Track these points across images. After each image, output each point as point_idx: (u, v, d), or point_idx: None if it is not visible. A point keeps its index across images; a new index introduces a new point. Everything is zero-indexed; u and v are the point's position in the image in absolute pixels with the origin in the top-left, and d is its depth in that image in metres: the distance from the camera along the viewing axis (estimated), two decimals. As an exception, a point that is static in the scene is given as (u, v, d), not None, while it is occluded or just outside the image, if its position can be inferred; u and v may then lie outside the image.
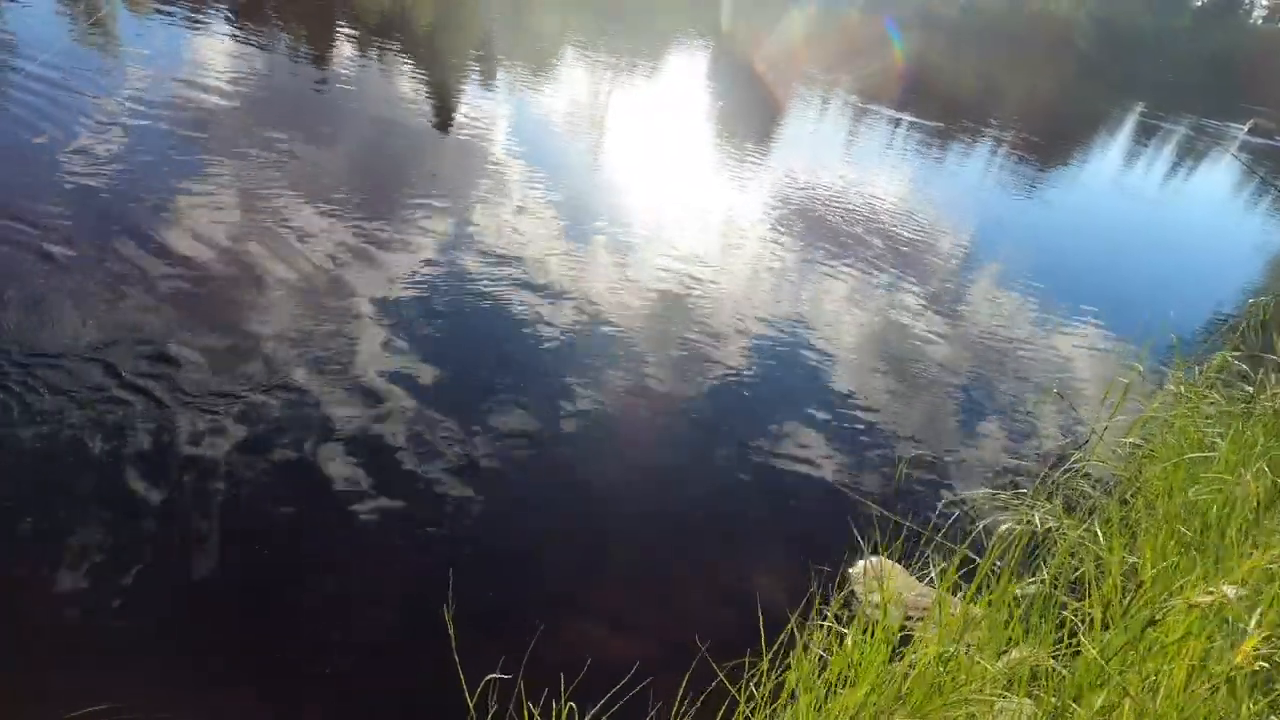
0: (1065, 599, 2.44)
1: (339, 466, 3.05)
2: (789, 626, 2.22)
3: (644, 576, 2.99)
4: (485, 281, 4.79)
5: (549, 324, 4.46)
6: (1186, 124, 24.73)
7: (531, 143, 8.08)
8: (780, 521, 3.38)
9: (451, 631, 1.93)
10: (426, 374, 3.72)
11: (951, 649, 1.83)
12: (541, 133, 8.75)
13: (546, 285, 4.91)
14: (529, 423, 3.59)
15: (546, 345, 4.25)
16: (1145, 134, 21.57)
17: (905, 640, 2.21)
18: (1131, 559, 2.33)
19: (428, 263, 4.85)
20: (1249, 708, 1.32)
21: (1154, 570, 2.07)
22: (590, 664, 2.20)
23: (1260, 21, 66.43)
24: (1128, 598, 2.25)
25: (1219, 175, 18.40)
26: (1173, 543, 2.28)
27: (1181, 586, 1.97)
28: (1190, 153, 20.60)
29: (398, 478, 3.06)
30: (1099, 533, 2.70)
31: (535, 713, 1.98)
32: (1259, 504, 2.18)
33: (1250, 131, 22.73)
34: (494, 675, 1.96)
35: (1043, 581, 2.53)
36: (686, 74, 17.30)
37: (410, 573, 2.72)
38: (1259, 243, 12.30)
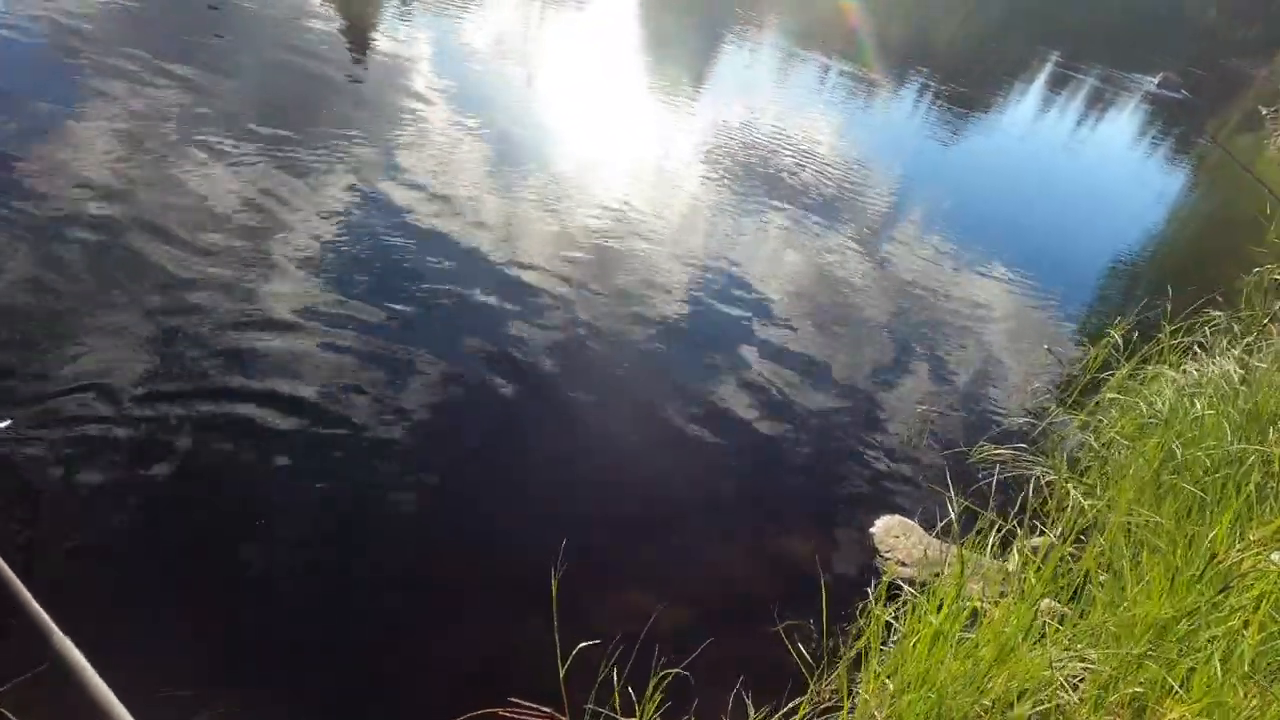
0: (1074, 552, 2.67)
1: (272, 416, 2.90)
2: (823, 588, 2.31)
3: (671, 544, 3.03)
4: (410, 225, 4.48)
5: (487, 269, 4.30)
6: (1098, 74, 25.91)
7: (453, 73, 7.57)
8: (797, 482, 3.49)
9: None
10: (349, 324, 3.47)
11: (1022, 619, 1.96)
12: (464, 63, 8.21)
13: (477, 227, 4.69)
14: (469, 374, 3.49)
15: (483, 291, 4.08)
16: (1060, 84, 22.46)
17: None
18: (1138, 515, 2.55)
19: (346, 204, 4.49)
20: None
21: (1171, 527, 2.29)
22: (642, 630, 2.22)
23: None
24: (1134, 551, 2.47)
25: (1128, 124, 19.53)
26: (1175, 499, 2.52)
27: (1198, 544, 2.18)
28: (1100, 102, 21.66)
29: (314, 440, 2.90)
30: (1096, 487, 2.95)
31: (615, 683, 2.00)
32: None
33: (1160, 85, 24.06)
34: (586, 643, 1.96)
35: (1057, 534, 2.76)
36: (615, 8, 16.55)
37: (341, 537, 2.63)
38: (1159, 191, 13.27)
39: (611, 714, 1.95)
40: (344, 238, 4.15)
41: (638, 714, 1.91)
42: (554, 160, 6.27)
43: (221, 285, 3.46)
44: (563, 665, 1.89)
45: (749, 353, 4.24)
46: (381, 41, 7.99)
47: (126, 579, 2.26)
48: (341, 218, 4.34)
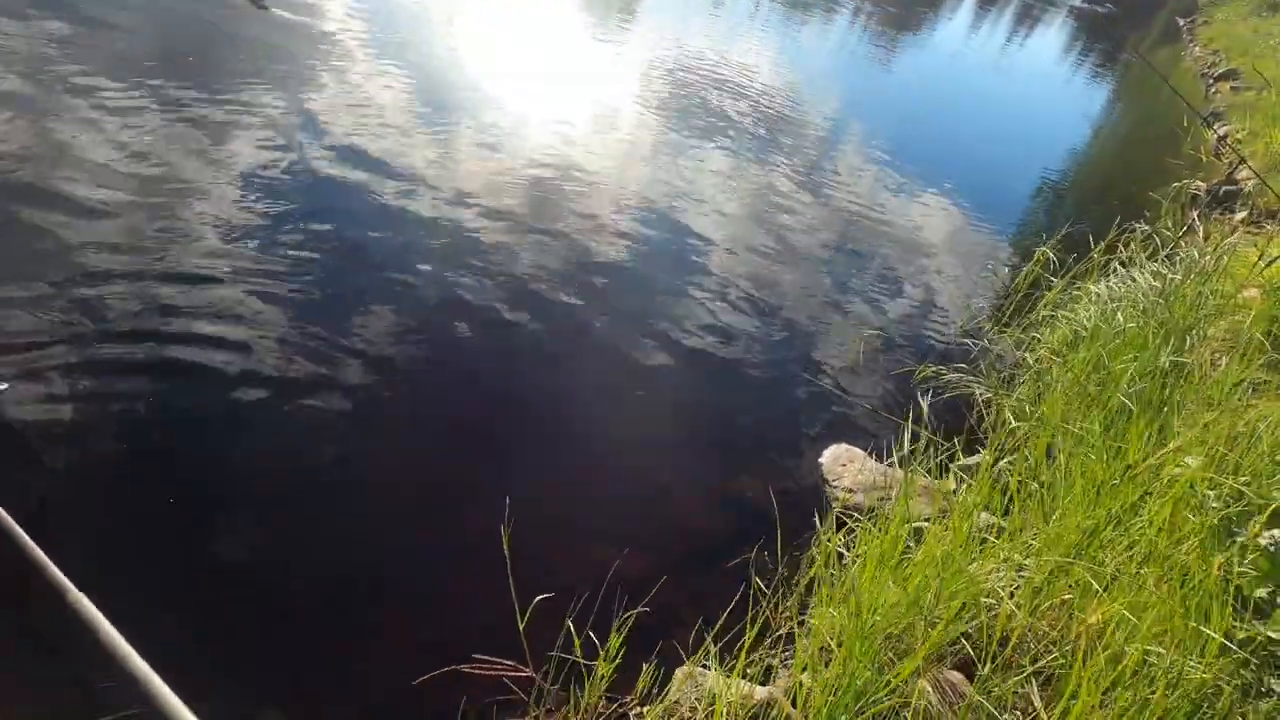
0: (1007, 465, 2.80)
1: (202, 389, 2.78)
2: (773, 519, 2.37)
3: (622, 485, 3.05)
4: (333, 179, 4.24)
5: (421, 218, 4.13)
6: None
7: (368, 13, 7.06)
8: (746, 414, 3.53)
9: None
10: (278, 281, 3.31)
11: (957, 533, 2.05)
12: (393, 4, 7.67)
13: (406, 177, 4.47)
14: (426, 326, 3.42)
15: (418, 241, 3.94)
16: (987, 2, 22.44)
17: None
18: (1066, 427, 2.68)
19: (265, 158, 4.20)
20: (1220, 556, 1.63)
21: (1097, 437, 2.41)
22: (599, 577, 2.25)
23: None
24: (1066, 458, 2.59)
25: (1055, 40, 19.75)
26: (1100, 410, 2.65)
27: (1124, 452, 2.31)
28: (1028, 18, 21.78)
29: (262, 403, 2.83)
30: (1029, 403, 3.08)
31: (575, 631, 2.02)
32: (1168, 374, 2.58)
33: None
34: (543, 596, 1.96)
35: (991, 451, 2.88)
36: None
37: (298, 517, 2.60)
38: (1085, 105, 13.58)
39: (574, 660, 1.98)
40: (262, 195, 3.88)
41: (600, 658, 1.94)
42: (482, 103, 5.96)
43: (130, 254, 3.20)
44: (522, 619, 1.89)
45: (692, 290, 4.21)
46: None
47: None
48: (257, 173, 4.05)
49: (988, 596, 2.05)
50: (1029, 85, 14.23)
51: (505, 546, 1.97)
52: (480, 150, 5.09)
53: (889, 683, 1.85)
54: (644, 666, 2.03)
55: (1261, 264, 3.52)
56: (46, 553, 1.83)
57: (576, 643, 1.96)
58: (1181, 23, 22.30)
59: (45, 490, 2.29)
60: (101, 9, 5.23)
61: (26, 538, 1.83)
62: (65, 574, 1.80)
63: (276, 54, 5.63)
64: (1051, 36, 20.18)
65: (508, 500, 2.27)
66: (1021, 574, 2.08)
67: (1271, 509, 1.54)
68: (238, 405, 2.71)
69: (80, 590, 1.75)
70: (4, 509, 1.87)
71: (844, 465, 3.06)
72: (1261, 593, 1.55)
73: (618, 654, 1.91)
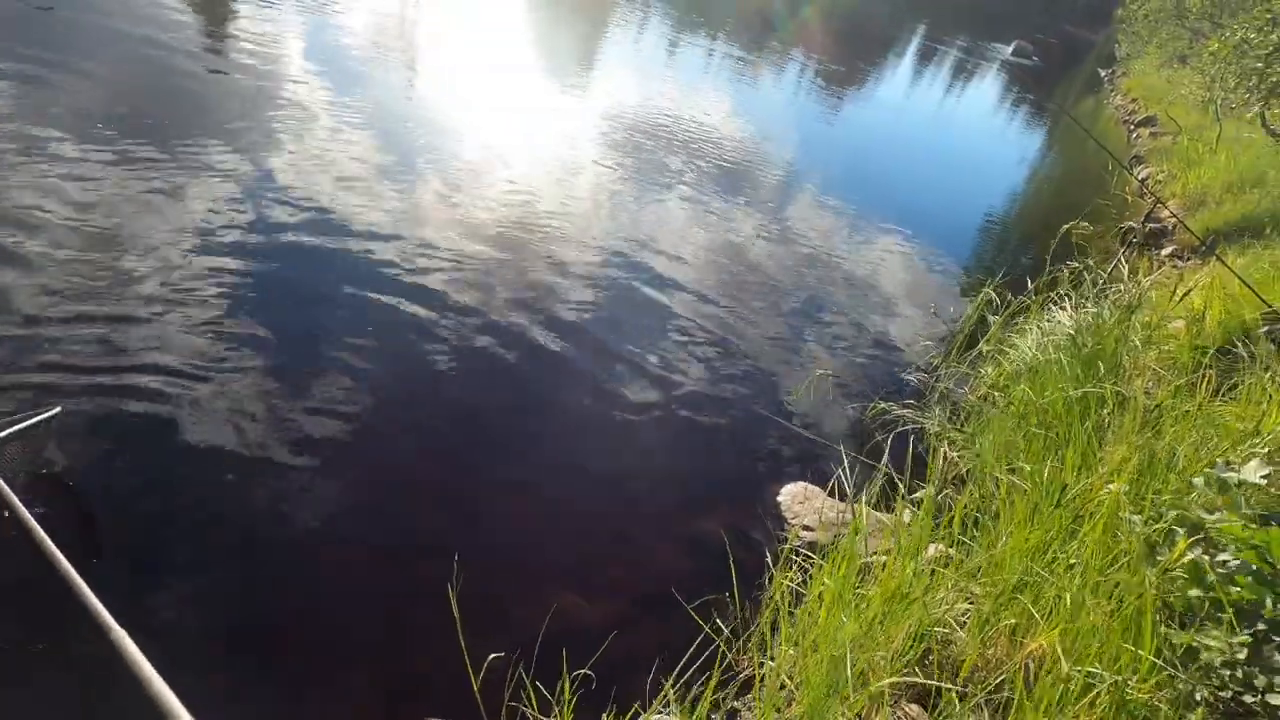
0: (956, 498, 2.89)
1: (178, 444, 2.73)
2: (728, 559, 2.40)
3: (580, 531, 3.04)
4: (294, 227, 4.28)
5: (384, 261, 4.18)
6: (961, 45, 27.67)
7: (328, 58, 7.23)
8: (704, 454, 3.57)
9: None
10: (240, 338, 3.30)
11: (911, 570, 2.10)
12: (340, 47, 7.84)
13: (368, 229, 4.53)
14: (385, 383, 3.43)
15: (380, 287, 3.97)
16: (927, 56, 23.84)
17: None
18: (1006, 459, 2.79)
19: (226, 211, 4.24)
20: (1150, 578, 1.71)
21: (1034, 467, 2.51)
22: (556, 626, 2.23)
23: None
24: (1006, 491, 2.69)
25: (989, 91, 20.97)
26: (1038, 441, 2.76)
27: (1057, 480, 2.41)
28: (963, 72, 23.13)
29: (230, 459, 2.80)
30: (974, 436, 3.19)
31: (529, 685, 2.00)
32: (1099, 407, 2.72)
33: (1014, 53, 25.97)
34: (495, 654, 1.95)
35: (936, 484, 2.97)
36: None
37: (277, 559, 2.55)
38: (1019, 152, 14.37)
39: (531, 715, 1.94)
40: (218, 250, 3.87)
41: (556, 713, 1.91)
42: (445, 149, 6.08)
43: (78, 311, 3.15)
44: (476, 678, 1.87)
45: (650, 334, 4.29)
46: (246, 27, 7.46)
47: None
48: (215, 230, 4.05)
49: (940, 627, 2.10)
50: (968, 133, 15.04)
51: (454, 606, 1.95)
52: (441, 202, 5.17)
53: (850, 718, 1.86)
54: (603, 717, 2.00)
55: (1176, 297, 3.75)
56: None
57: (532, 699, 1.94)
58: (1104, 74, 23.95)
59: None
60: (55, 66, 5.24)
61: (74, 573, 1.89)
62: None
63: (236, 101, 5.70)
64: (985, 88, 21.43)
65: (458, 555, 2.26)
66: (970, 603, 2.14)
67: (1192, 525, 1.63)
68: (183, 457, 2.66)
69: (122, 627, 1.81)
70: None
71: (801, 503, 3.11)
72: (1194, 594, 1.62)
73: (574, 705, 1.89)
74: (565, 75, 9.81)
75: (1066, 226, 4.79)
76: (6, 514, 2.12)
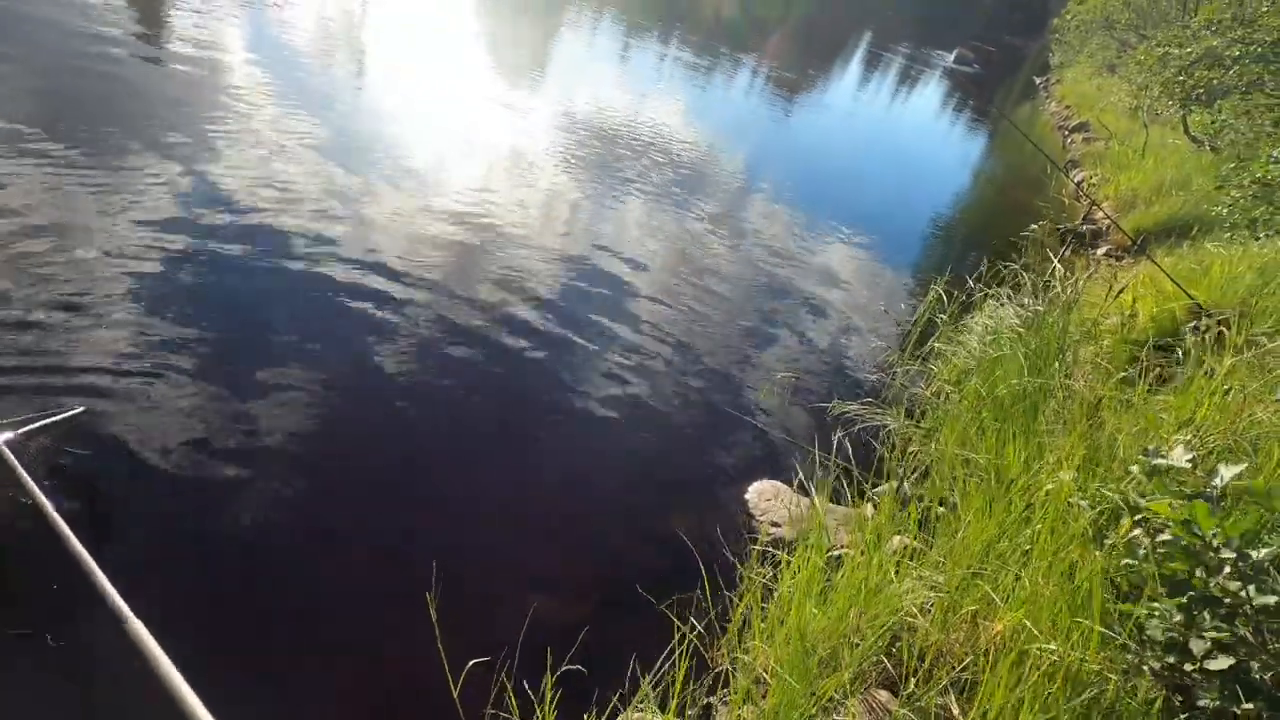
0: (916, 491, 3.01)
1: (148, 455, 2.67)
2: (694, 553, 2.46)
3: (550, 533, 3.06)
4: (244, 237, 4.19)
5: (340, 274, 4.14)
6: (905, 52, 28.53)
7: (274, 65, 7.08)
8: (670, 455, 3.63)
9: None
10: (184, 347, 3.24)
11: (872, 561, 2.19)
12: (286, 53, 7.68)
13: (321, 234, 4.48)
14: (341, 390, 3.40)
15: (338, 296, 3.95)
16: (873, 63, 24.52)
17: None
18: (961, 452, 2.92)
19: (170, 218, 4.14)
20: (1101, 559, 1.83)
21: (988, 459, 2.64)
22: (533, 630, 2.25)
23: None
24: (964, 483, 2.82)
25: (932, 97, 21.70)
26: (991, 434, 2.90)
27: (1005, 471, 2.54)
28: (908, 78, 23.86)
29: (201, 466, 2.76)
30: (932, 431, 3.32)
31: (509, 690, 2.01)
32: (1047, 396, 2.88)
33: (956, 60, 26.94)
34: (475, 660, 1.95)
35: (897, 478, 3.09)
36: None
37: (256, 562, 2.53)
38: (962, 155, 14.94)
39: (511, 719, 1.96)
40: (172, 252, 3.77)
41: (537, 715, 1.93)
42: (394, 151, 6.01)
43: (21, 319, 3.02)
44: (455, 685, 1.87)
45: (613, 337, 4.33)
46: (186, 28, 7.23)
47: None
48: (166, 229, 3.93)
49: (906, 615, 2.19)
50: (913, 137, 15.53)
51: (432, 612, 1.95)
52: (396, 205, 5.11)
53: (823, 706, 1.93)
54: (584, 717, 2.03)
55: (1111, 294, 3.98)
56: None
57: (513, 703, 1.95)
58: (1039, 81, 25.02)
59: None
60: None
61: (94, 564, 1.94)
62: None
63: (177, 107, 5.52)
64: (929, 94, 22.15)
65: (434, 561, 2.26)
66: (934, 592, 2.23)
67: (1128, 508, 1.74)
68: (137, 470, 2.59)
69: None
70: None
71: (769, 500, 3.19)
72: (1130, 565, 1.75)
73: (554, 704, 1.91)
74: (516, 78, 9.79)
75: (1012, 231, 5.00)
76: (29, 504, 2.19)
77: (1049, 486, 2.16)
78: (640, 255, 5.55)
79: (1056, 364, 3.15)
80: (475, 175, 6.08)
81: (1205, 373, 2.82)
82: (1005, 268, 5.15)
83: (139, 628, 1.76)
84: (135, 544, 2.44)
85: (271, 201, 4.63)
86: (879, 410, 3.96)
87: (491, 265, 4.73)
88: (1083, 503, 1.97)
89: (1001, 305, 4.59)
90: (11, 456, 2.35)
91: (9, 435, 2.44)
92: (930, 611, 2.22)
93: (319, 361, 3.41)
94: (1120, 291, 4.02)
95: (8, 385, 2.75)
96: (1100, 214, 8.28)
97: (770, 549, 2.80)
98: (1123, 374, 3.13)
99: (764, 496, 3.21)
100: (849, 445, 3.45)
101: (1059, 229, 8.16)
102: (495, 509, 3.02)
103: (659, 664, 2.11)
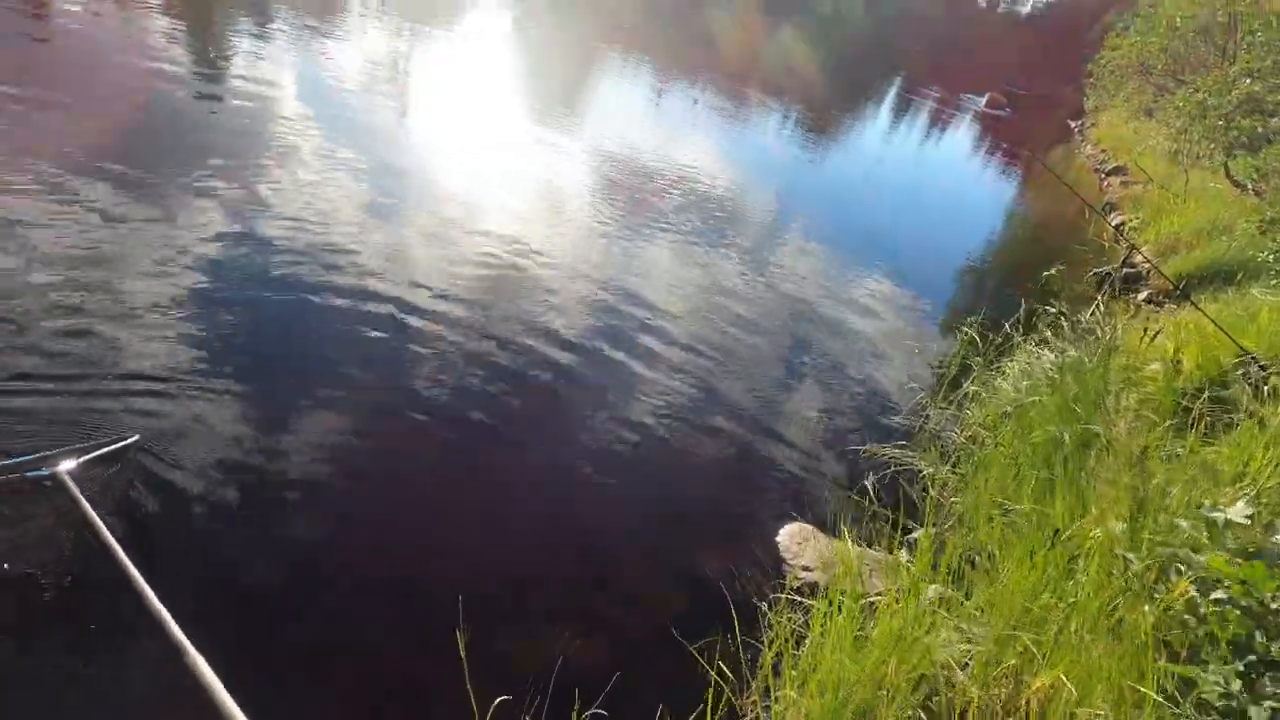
0: (953, 538, 2.93)
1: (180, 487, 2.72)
2: (727, 598, 2.41)
3: (582, 573, 3.04)
4: (288, 263, 4.34)
5: (377, 306, 4.22)
6: (935, 96, 28.71)
7: (326, 108, 7.37)
8: (701, 495, 3.59)
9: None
10: (225, 371, 3.33)
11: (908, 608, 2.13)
12: (333, 90, 8.00)
13: (360, 263, 4.60)
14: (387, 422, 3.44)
15: (374, 329, 4.03)
16: (904, 106, 24.71)
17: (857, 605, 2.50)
18: (1000, 499, 2.84)
19: (221, 248, 4.30)
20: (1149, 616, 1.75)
21: (1028, 507, 2.57)
22: (561, 669, 2.23)
23: (986, 4, 79.06)
24: (1002, 532, 2.74)
25: (962, 139, 21.72)
26: (1029, 482, 2.83)
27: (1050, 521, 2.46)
28: (939, 121, 23.95)
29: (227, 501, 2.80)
30: (967, 477, 3.24)
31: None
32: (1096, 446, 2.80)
33: (987, 104, 27.04)
34: (502, 697, 1.93)
35: (932, 525, 3.01)
36: (487, 35, 16.61)
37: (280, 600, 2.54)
38: (995, 197, 14.85)
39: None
40: (220, 279, 3.93)
41: (565, 759, 1.90)
42: (434, 187, 6.19)
43: (76, 342, 3.15)
44: (484, 724, 1.85)
45: (645, 375, 4.35)
46: (240, 67, 7.61)
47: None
48: (214, 256, 4.11)
49: (942, 669, 2.11)
50: (944, 179, 15.51)
51: (461, 649, 1.94)
52: (434, 240, 5.24)
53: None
54: (610, 763, 1.99)
55: (1153, 340, 3.89)
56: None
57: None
58: (1073, 125, 24.92)
59: None
60: (48, 99, 5.30)
61: (149, 591, 1.95)
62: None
63: (231, 139, 5.78)
64: (961, 137, 22.18)
65: (463, 596, 2.25)
66: (971, 645, 2.16)
67: (1181, 563, 1.68)
68: (187, 497, 2.65)
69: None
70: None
71: (800, 543, 3.13)
72: (1190, 623, 1.67)
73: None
74: (551, 118, 10.04)
75: (1048, 273, 4.93)
76: (90, 532, 2.23)
77: (1094, 537, 2.09)
78: (670, 291, 5.59)
79: (1097, 411, 3.07)
80: (511, 210, 6.23)
81: (1256, 423, 2.72)
82: (1041, 311, 5.07)
83: (197, 658, 1.76)
84: (186, 571, 2.47)
85: (318, 233, 4.79)
86: (912, 453, 3.89)
87: (524, 298, 4.80)
88: (1130, 556, 1.90)
89: (1038, 349, 4.51)
90: (73, 486, 2.39)
91: (70, 464, 2.48)
92: (969, 665, 2.14)
93: (360, 393, 3.48)
94: (1157, 335, 3.93)
95: (68, 412, 2.85)
96: (1140, 258, 8.13)
97: (801, 593, 2.74)
98: (1168, 423, 3.03)
99: (795, 539, 3.16)
100: (882, 488, 3.39)
101: (1097, 272, 8.03)
102: (524, 543, 3.01)
103: (686, 709, 2.06)
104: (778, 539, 3.22)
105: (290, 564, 2.62)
